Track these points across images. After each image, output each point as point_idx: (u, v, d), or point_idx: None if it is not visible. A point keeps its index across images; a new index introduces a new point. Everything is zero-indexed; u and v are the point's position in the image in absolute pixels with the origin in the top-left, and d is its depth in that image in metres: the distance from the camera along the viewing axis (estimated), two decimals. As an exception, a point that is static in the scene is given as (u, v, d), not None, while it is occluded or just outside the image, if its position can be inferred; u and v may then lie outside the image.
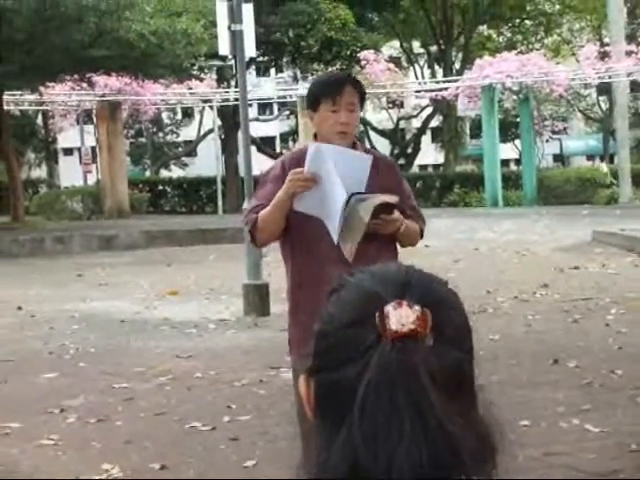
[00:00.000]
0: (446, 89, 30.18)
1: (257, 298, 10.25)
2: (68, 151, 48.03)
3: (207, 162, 38.64)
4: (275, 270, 12.33)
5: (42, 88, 27.73)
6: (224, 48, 11.24)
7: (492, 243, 17.32)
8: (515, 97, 30.36)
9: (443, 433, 1.02)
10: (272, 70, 42.86)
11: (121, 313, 10.73)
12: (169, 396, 6.79)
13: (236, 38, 10.89)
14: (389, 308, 1.05)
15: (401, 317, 1.04)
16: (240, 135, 26.90)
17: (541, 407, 5.78)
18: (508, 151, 40.61)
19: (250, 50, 11.34)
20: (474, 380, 1.10)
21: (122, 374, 7.49)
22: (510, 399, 5.78)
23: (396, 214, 3.65)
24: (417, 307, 1.04)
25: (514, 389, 6.31)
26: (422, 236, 3.91)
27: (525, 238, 17.69)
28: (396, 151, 39.24)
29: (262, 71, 42.31)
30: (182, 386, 7.06)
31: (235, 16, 10.82)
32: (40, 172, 42.09)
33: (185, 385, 7.09)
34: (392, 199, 3.62)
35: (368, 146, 4.05)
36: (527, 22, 39.99)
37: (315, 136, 3.86)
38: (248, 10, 11.12)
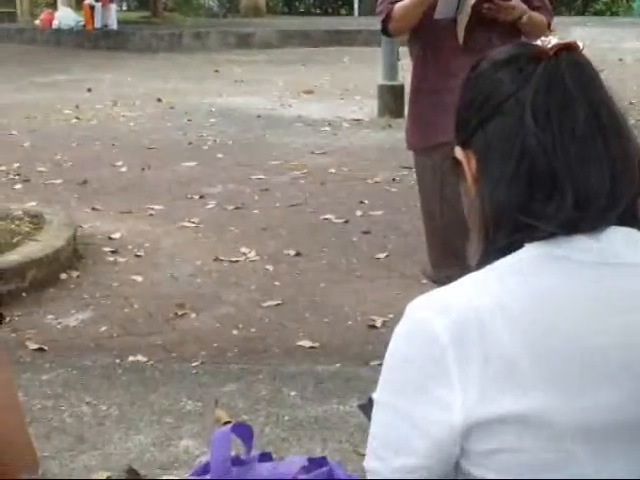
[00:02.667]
0: None
1: (392, 99, 10.18)
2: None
3: (344, -38, 37.60)
4: (408, 74, 12.19)
5: None
6: None
7: (639, 54, 16.54)
8: None
9: (616, 119, 1.07)
10: None
11: (257, 109, 10.86)
12: (303, 189, 6.96)
13: None
14: (539, 40, 1.12)
15: (556, 39, 1.11)
16: None
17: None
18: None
19: None
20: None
21: (258, 166, 7.67)
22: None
23: (514, 1, 3.58)
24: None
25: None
26: (549, 28, 3.83)
27: (675, 50, 16.80)
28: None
29: None
30: (316, 180, 7.21)
31: None
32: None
33: (319, 180, 7.22)
34: None
35: None
36: None
37: None
38: None
